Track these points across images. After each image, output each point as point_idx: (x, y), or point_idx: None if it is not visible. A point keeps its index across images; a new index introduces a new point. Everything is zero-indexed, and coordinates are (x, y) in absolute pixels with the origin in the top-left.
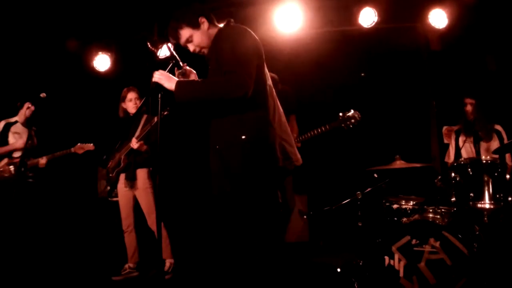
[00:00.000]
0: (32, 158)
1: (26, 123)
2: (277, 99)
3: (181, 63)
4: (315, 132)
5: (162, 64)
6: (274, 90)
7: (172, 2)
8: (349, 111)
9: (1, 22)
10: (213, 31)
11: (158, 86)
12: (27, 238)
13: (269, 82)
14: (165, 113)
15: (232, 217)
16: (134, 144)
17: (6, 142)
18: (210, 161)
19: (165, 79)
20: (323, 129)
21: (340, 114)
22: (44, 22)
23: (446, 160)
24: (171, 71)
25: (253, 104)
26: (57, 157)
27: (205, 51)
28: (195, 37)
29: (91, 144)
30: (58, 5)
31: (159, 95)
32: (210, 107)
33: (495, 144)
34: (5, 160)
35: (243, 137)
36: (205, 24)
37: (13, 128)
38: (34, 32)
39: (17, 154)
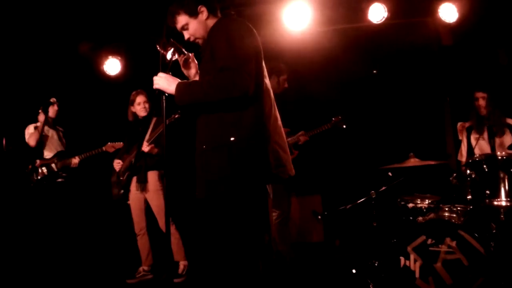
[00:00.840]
0: (64, 158)
1: (53, 124)
2: (274, 101)
3: (184, 50)
4: (319, 129)
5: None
6: (271, 90)
7: None
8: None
9: (13, 29)
10: (212, 22)
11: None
12: (45, 239)
13: (266, 80)
14: (176, 116)
15: (213, 223)
16: (145, 147)
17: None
18: (196, 162)
19: (165, 83)
20: (325, 127)
21: (333, 118)
22: (54, 27)
23: (459, 158)
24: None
25: (247, 103)
26: (89, 156)
27: (200, 41)
28: (191, 26)
29: (121, 143)
30: (65, 9)
31: (163, 97)
32: (200, 104)
33: (507, 138)
34: (38, 162)
35: (232, 138)
36: (204, 14)
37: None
38: (46, 37)
39: (48, 156)
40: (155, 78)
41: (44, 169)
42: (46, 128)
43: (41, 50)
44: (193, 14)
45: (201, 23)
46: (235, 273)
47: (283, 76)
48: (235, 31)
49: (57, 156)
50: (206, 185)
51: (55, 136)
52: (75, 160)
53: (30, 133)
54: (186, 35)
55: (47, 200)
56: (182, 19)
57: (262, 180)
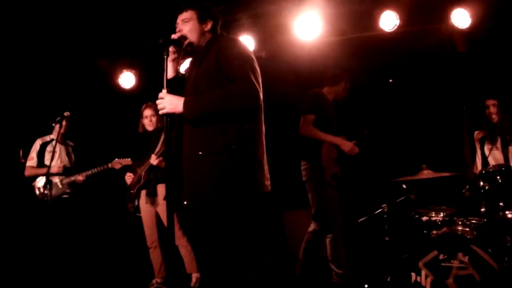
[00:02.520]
0: (70, 174)
1: (62, 140)
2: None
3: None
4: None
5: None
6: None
7: None
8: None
9: (30, 43)
10: (209, 36)
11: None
12: (54, 253)
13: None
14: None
15: (207, 229)
16: (154, 160)
17: (43, 161)
18: (184, 168)
19: (171, 106)
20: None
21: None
22: (71, 41)
23: (474, 171)
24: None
25: (248, 115)
26: (95, 173)
27: (186, 42)
28: (191, 24)
29: (129, 159)
30: (80, 24)
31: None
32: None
33: None
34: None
35: (233, 146)
36: (207, 27)
37: (49, 147)
38: (62, 51)
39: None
40: (158, 102)
41: (49, 185)
42: (54, 143)
43: (57, 64)
44: (201, 20)
45: (201, 31)
46: (229, 281)
47: (348, 84)
48: (243, 48)
49: (63, 172)
50: (203, 191)
51: (64, 152)
52: (80, 177)
53: (31, 166)
54: (180, 26)
55: (52, 215)
56: (189, 15)
57: (261, 188)
